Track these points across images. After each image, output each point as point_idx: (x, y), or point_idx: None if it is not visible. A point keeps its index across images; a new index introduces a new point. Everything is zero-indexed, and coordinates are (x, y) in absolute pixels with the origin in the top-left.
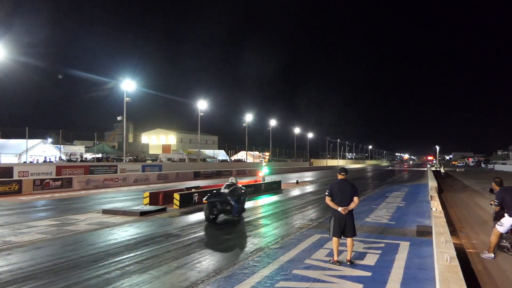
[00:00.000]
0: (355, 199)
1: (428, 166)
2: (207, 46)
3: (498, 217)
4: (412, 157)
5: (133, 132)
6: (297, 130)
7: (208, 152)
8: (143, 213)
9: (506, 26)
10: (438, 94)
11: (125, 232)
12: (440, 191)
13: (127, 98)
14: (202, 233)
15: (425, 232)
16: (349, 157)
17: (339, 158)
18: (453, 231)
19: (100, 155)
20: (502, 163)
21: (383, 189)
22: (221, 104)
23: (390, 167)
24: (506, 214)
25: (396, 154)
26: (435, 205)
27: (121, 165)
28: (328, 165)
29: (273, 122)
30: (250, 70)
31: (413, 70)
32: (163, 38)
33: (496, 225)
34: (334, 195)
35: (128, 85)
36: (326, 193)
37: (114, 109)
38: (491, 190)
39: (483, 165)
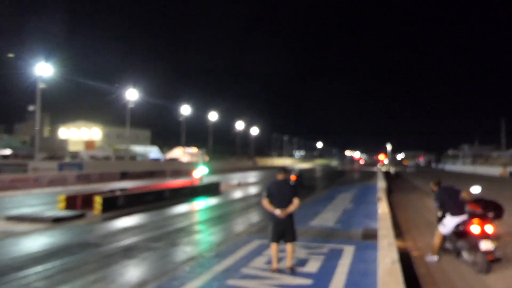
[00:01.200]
0: (295, 200)
1: (378, 167)
2: (142, 29)
3: (441, 219)
4: (363, 155)
5: (50, 125)
6: (240, 125)
7: (139, 149)
8: (56, 220)
9: (458, 23)
10: (391, 87)
11: (34, 242)
12: (389, 192)
13: (42, 85)
14: (127, 241)
15: (371, 235)
16: (297, 155)
17: (287, 156)
18: (399, 234)
19: (8, 152)
20: (452, 163)
21: (331, 190)
22: (156, 95)
23: (340, 167)
24: (447, 214)
25: (347, 152)
26: (382, 207)
27: (33, 164)
28: (274, 164)
29: (214, 116)
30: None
31: (365, 61)
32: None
33: (439, 227)
34: (272, 196)
35: (44, 69)
36: (264, 195)
37: (26, 98)
38: (433, 191)
39: (433, 165)
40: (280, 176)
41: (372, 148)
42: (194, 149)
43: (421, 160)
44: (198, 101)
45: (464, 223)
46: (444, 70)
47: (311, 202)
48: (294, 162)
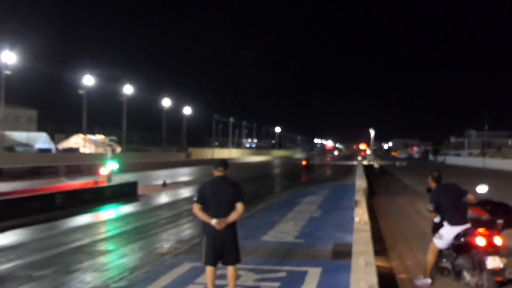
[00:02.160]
0: (238, 205)
1: (359, 159)
2: None
3: (437, 227)
4: (338, 145)
5: None
6: (167, 103)
7: (19, 136)
8: None
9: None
10: (373, 63)
11: None
12: (371, 194)
13: None
14: None
15: (344, 253)
16: (248, 145)
17: (234, 147)
18: (382, 250)
19: None
20: (455, 154)
21: (293, 193)
22: (47, 62)
23: (306, 160)
24: (445, 223)
25: (317, 141)
26: (360, 214)
27: None
28: (215, 157)
29: (129, 90)
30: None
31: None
32: None
33: (434, 239)
34: (207, 200)
35: None
36: (194, 199)
37: None
38: (429, 190)
39: (431, 157)
40: (218, 173)
41: (351, 135)
42: (100, 137)
43: (415, 150)
44: (108, 71)
45: (466, 234)
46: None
47: (265, 208)
48: (244, 153)
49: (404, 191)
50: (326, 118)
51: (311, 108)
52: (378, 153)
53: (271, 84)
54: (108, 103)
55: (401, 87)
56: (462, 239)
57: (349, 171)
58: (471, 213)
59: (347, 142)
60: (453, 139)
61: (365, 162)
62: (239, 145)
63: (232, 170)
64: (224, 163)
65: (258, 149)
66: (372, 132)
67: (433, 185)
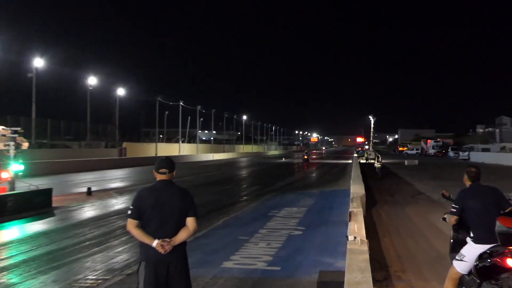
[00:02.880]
0: (190, 221)
1: (355, 156)
2: None
3: (457, 245)
4: (327, 138)
5: None
6: (93, 81)
7: None
8: None
9: None
10: (373, 36)
11: None
12: (371, 204)
13: None
14: None
15: (333, 284)
16: (205, 138)
17: (184, 141)
18: (385, 279)
19: None
20: (483, 149)
21: (266, 203)
22: None
23: (284, 159)
24: (468, 239)
25: (299, 133)
26: (355, 231)
27: None
28: (158, 154)
29: (39, 63)
30: None
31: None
32: None
33: (454, 261)
34: (146, 215)
35: None
36: (129, 213)
37: None
38: (446, 197)
39: (451, 153)
40: (161, 176)
41: (346, 126)
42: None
43: (430, 144)
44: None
45: (494, 253)
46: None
47: (227, 224)
48: (199, 150)
49: (415, 199)
50: (312, 105)
51: (291, 92)
52: (381, 148)
53: (235, 63)
54: (12, 82)
55: (410, 63)
56: (489, 260)
57: (342, 172)
58: (499, 225)
59: (340, 134)
60: (480, 129)
61: (363, 160)
62: (193, 138)
63: (182, 173)
64: (169, 163)
65: (219, 144)
66: (372, 120)
67: (467, 183)
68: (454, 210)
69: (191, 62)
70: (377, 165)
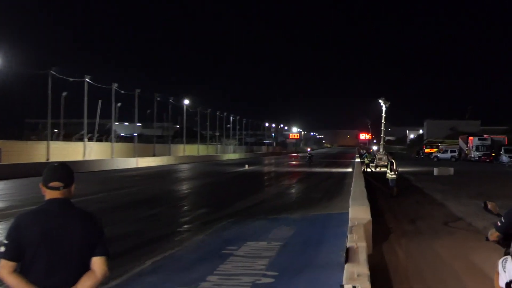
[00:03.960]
0: (98, 263)
1: (357, 161)
2: None
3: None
4: (315, 135)
5: None
6: None
7: None
8: None
9: None
10: None
11: None
12: (381, 236)
13: None
14: None
15: None
16: (126, 134)
17: (91, 139)
18: None
19: None
20: None
21: (218, 234)
22: None
23: (247, 166)
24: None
25: (272, 127)
26: (354, 278)
27: None
28: (51, 160)
29: None
30: None
31: None
32: None
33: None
34: (29, 252)
35: None
36: (1, 250)
37: None
38: (485, 208)
39: (504, 157)
40: (52, 193)
41: (343, 117)
42: None
43: (472, 143)
44: None
45: None
46: None
47: (157, 268)
48: (117, 152)
49: (449, 228)
50: (292, 90)
51: (263, 72)
52: (397, 149)
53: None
54: None
55: (439, 34)
56: None
57: (337, 186)
58: None
59: (334, 128)
60: None
61: (369, 168)
62: (106, 134)
63: (87, 188)
64: (64, 173)
65: (146, 143)
66: (384, 106)
67: None
68: (499, 224)
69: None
70: (390, 175)
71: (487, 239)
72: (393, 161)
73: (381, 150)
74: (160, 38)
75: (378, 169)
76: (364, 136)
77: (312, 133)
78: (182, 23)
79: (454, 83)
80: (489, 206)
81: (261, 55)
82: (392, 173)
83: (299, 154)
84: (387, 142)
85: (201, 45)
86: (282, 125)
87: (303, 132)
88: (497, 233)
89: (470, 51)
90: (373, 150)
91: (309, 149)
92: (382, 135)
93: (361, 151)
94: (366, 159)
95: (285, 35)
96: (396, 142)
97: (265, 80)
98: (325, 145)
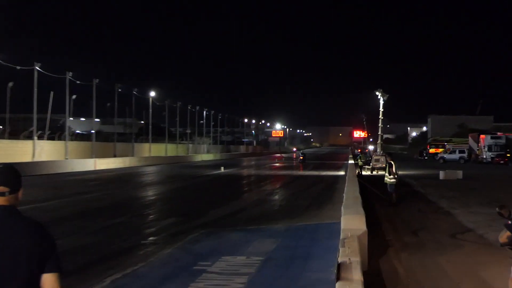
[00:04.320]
0: (49, 280)
1: (350, 163)
2: None
3: None
4: (303, 132)
5: None
6: None
7: None
8: None
9: None
10: None
11: None
12: (378, 249)
13: None
14: None
15: None
16: (82, 131)
17: (42, 136)
18: None
19: None
20: None
21: (190, 247)
22: None
23: (223, 168)
24: None
25: (252, 124)
26: None
27: None
28: None
29: None
30: None
31: None
32: None
33: None
34: None
35: None
36: None
37: None
38: (500, 212)
39: None
40: None
41: (334, 113)
42: None
43: (483, 142)
44: None
45: None
46: None
47: (119, 285)
48: (71, 151)
49: (457, 241)
50: (275, 83)
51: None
52: (397, 149)
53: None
54: None
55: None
56: None
57: (328, 191)
58: None
59: (325, 125)
60: None
61: (365, 172)
62: (59, 131)
63: (37, 194)
64: (9, 176)
65: (106, 142)
66: (382, 100)
67: None
68: (511, 222)
69: None
70: (389, 179)
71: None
72: (392, 163)
73: (378, 150)
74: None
75: (375, 172)
76: (358, 134)
77: (298, 131)
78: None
79: (463, 74)
80: (503, 212)
81: (239, 43)
82: (391, 176)
83: (283, 155)
84: (386, 141)
85: (172, 30)
86: (263, 121)
87: (287, 129)
88: (508, 233)
89: (481, 38)
90: (369, 150)
91: (294, 149)
92: (379, 133)
93: (355, 151)
94: (360, 160)
95: (268, 24)
96: (395, 141)
97: (245, 72)
98: (313, 144)
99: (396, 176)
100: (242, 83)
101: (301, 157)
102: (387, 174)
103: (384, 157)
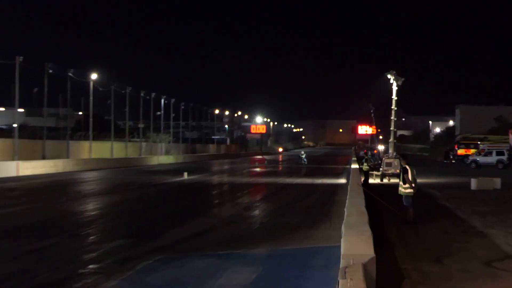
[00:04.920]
0: None
1: (353, 167)
2: None
3: None
4: (291, 127)
5: None
6: None
7: None
8: None
9: None
10: None
11: None
12: (390, 281)
13: None
14: None
15: None
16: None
17: None
18: None
19: None
20: None
21: (140, 278)
22: None
23: (187, 175)
24: None
25: (226, 116)
26: None
27: None
28: None
29: None
30: None
31: None
32: None
33: None
34: None
35: None
36: None
37: None
38: None
39: None
40: None
41: (331, 102)
42: None
43: None
44: None
45: None
46: None
47: None
48: None
49: (494, 270)
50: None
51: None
52: (415, 149)
53: None
54: None
55: None
56: None
57: (323, 205)
58: None
59: (320, 118)
60: None
61: (374, 179)
62: None
63: None
64: None
65: (32, 139)
66: (395, 85)
67: None
68: None
69: None
70: (404, 189)
71: None
72: (408, 168)
73: (390, 151)
74: None
75: (385, 180)
76: (364, 129)
77: (285, 125)
78: None
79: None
80: None
81: (211, 20)
82: (407, 186)
83: (265, 157)
84: (400, 139)
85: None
86: (240, 113)
87: (271, 124)
88: None
89: None
90: (378, 151)
91: (280, 149)
92: (391, 128)
93: (360, 152)
94: (366, 164)
95: None
96: (413, 139)
97: (216, 49)
98: (305, 143)
99: (413, 185)
100: (213, 63)
101: (301, 157)
102: (401, 182)
103: (397, 160)
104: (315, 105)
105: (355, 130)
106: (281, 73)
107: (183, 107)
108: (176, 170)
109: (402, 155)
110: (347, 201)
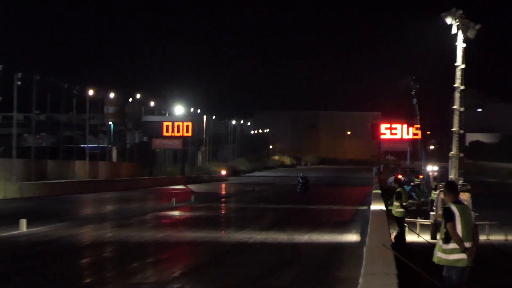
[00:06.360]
0: None
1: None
2: None
3: None
4: (246, 124)
5: None
6: None
7: None
8: None
9: None
10: None
11: None
12: None
13: None
14: None
15: None
16: None
17: None
18: None
19: None
20: None
21: None
22: None
23: (25, 226)
24: None
25: (108, 100)
26: None
27: None
28: None
29: None
30: None
31: None
32: None
33: None
34: None
35: None
36: None
37: None
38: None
39: None
40: None
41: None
42: None
43: None
44: None
45: None
46: None
47: None
48: None
49: None
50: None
51: None
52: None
53: None
54: None
55: None
56: None
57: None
58: None
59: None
60: None
61: (418, 235)
62: None
63: None
64: None
65: None
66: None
67: None
68: None
69: None
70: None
71: None
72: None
73: (452, 175)
74: None
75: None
76: (397, 130)
77: (234, 122)
78: None
79: None
80: None
81: None
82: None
83: (192, 188)
84: (472, 150)
85: None
86: (139, 97)
87: (205, 119)
88: None
89: None
90: (427, 176)
91: (223, 172)
92: (454, 129)
93: (389, 180)
94: (396, 203)
95: None
96: (496, 148)
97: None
98: (275, 157)
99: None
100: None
101: (301, 185)
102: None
103: (468, 193)
104: (296, 86)
105: (374, 131)
106: (226, 28)
107: (19, 82)
108: (4, 215)
109: (449, 184)
110: (360, 281)
